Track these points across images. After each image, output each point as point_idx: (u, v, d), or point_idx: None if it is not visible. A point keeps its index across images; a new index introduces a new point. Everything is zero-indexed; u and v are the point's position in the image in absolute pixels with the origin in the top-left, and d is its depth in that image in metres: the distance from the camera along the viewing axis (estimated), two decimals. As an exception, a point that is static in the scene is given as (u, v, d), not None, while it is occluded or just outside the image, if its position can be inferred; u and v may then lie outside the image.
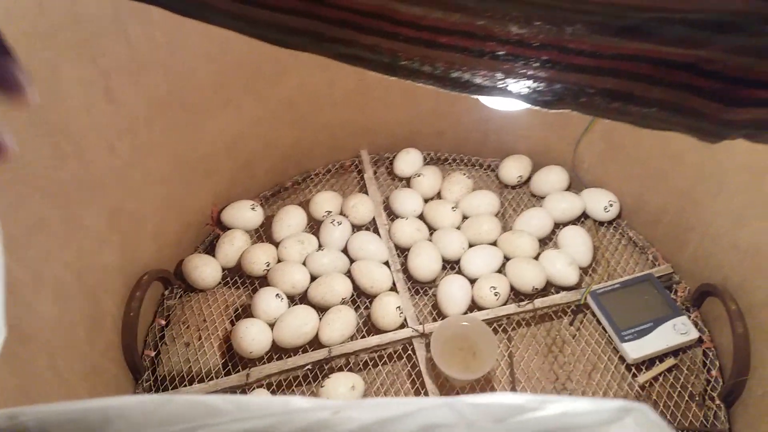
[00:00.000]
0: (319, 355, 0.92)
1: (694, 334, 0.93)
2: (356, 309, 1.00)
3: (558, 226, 1.11)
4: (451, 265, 1.06)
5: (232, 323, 0.98)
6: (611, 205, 1.09)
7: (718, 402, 0.88)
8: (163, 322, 0.99)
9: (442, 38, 0.43)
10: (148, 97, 0.85)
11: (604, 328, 0.97)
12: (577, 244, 1.05)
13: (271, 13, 0.47)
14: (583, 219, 1.13)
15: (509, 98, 0.44)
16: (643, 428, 0.22)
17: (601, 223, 1.12)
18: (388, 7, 0.43)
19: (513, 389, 0.92)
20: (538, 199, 1.16)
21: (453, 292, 0.98)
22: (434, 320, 0.99)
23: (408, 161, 1.19)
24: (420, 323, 0.96)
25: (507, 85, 0.44)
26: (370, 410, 0.24)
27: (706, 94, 0.38)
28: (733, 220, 0.89)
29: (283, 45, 0.49)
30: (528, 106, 0.44)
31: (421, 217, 1.12)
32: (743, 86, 0.36)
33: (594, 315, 0.99)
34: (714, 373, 0.91)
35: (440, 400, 0.24)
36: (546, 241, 1.10)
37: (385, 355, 0.95)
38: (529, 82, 0.43)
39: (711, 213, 0.93)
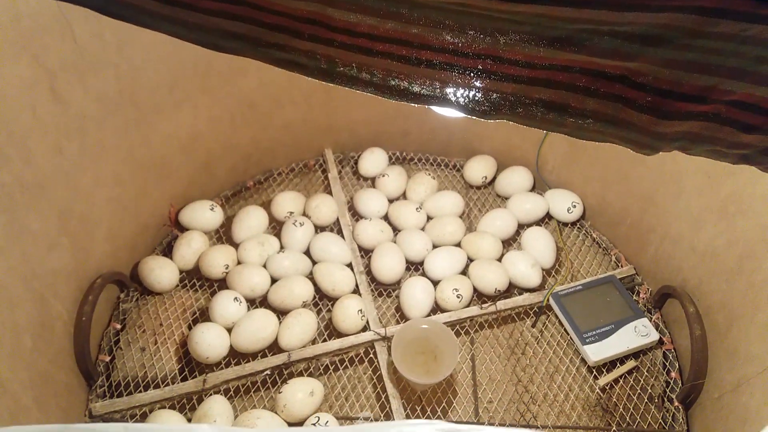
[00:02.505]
0: (278, 360, 0.91)
1: (655, 336, 0.94)
2: (318, 312, 0.99)
3: (522, 227, 1.11)
4: (415, 266, 1.06)
5: (190, 327, 0.96)
6: (574, 206, 1.09)
7: (676, 404, 0.88)
8: (119, 326, 0.96)
9: (378, 45, 0.42)
10: (98, 96, 0.82)
11: (566, 329, 0.97)
12: (540, 245, 1.05)
13: (207, 17, 0.45)
14: (547, 220, 1.13)
15: (448, 107, 0.43)
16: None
17: (565, 224, 1.12)
18: (323, 13, 0.41)
19: (475, 393, 0.91)
20: (503, 199, 1.16)
21: (415, 295, 0.98)
22: (397, 323, 0.98)
23: (373, 161, 1.18)
24: (383, 326, 0.95)
25: (445, 95, 0.43)
26: None
27: (638, 106, 0.37)
28: (691, 223, 0.89)
29: (220, 50, 0.47)
30: (465, 115, 0.43)
31: (386, 217, 1.11)
32: (674, 99, 0.36)
33: (556, 317, 0.99)
34: (673, 374, 0.91)
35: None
36: (510, 242, 1.10)
37: (347, 359, 0.94)
38: (466, 92, 0.42)
39: (671, 215, 0.93)
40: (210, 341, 0.90)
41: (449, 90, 0.42)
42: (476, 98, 0.42)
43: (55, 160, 0.79)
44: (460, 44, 0.40)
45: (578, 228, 1.12)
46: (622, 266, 1.05)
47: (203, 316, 0.98)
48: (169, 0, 0.45)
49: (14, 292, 0.74)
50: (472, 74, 0.40)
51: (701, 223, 0.87)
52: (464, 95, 0.42)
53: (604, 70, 0.37)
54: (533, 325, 0.99)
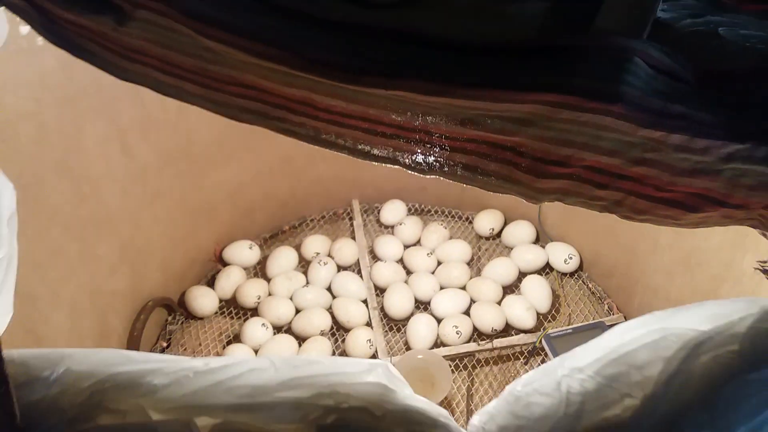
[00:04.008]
0: (295, 379, 1.04)
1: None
2: (334, 341, 1.13)
3: (525, 274, 1.22)
4: (424, 305, 1.19)
5: (224, 348, 1.12)
6: (571, 258, 1.20)
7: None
8: (165, 344, 1.13)
9: (348, 121, 0.57)
10: (159, 150, 1.01)
11: (555, 368, 1.07)
12: (537, 291, 1.16)
13: (229, 96, 0.62)
14: (547, 270, 1.24)
15: (399, 166, 0.58)
16: (386, 377, 0.35)
17: (564, 274, 1.23)
18: (309, 97, 0.58)
19: (467, 422, 1.02)
20: (508, 249, 1.28)
21: (420, 329, 1.10)
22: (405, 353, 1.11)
23: (393, 211, 1.33)
24: (389, 355, 1.08)
25: (396, 157, 0.58)
26: (224, 361, 0.37)
27: (522, 168, 0.51)
28: (665, 274, 0.99)
29: (239, 120, 0.64)
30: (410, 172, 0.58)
31: (401, 260, 1.25)
32: (545, 164, 0.49)
33: (548, 357, 1.10)
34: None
35: (262, 358, 0.37)
36: (513, 288, 1.21)
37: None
38: (410, 155, 0.57)
39: (650, 267, 1.04)
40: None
41: (398, 154, 0.57)
42: (417, 160, 0.57)
43: (121, 201, 0.97)
44: (402, 121, 0.55)
45: (576, 278, 1.23)
46: (613, 314, 1.15)
47: (236, 339, 1.13)
48: (202, 84, 0.62)
49: (82, 305, 0.91)
50: (412, 143, 0.56)
51: (673, 275, 0.97)
52: (408, 158, 0.57)
53: (497, 142, 0.51)
54: (525, 364, 1.10)
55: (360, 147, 0.59)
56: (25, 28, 0.71)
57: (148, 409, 0.34)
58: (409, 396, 0.36)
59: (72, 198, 0.86)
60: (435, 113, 0.52)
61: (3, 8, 0.66)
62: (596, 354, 0.38)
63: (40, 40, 0.67)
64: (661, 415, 0.32)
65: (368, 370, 0.36)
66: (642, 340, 0.37)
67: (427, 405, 0.37)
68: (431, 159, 0.56)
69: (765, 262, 0.49)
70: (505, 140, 0.50)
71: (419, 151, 0.56)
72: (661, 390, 0.33)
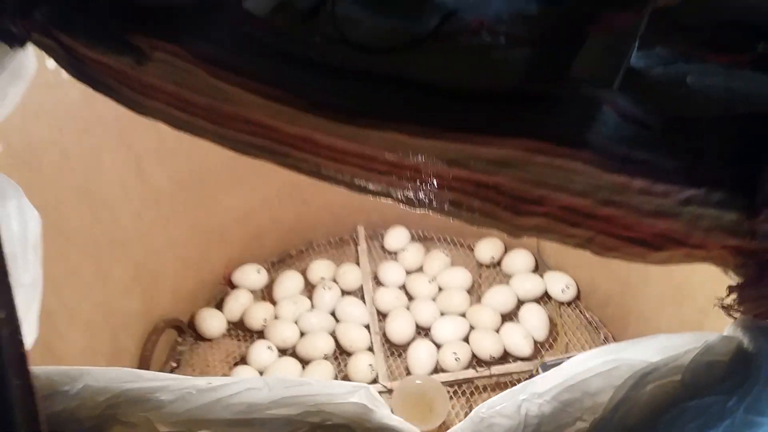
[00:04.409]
0: (297, 399, 1.08)
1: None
2: (337, 364, 1.16)
3: (523, 302, 1.25)
4: (425, 331, 1.22)
5: (230, 369, 1.16)
6: (568, 288, 1.24)
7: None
8: (174, 365, 1.17)
9: (346, 158, 0.62)
10: (172, 176, 1.06)
11: (550, 395, 1.10)
12: (534, 320, 1.20)
13: (238, 133, 0.67)
14: (546, 299, 1.27)
15: (392, 200, 0.63)
16: (367, 399, 0.39)
17: (562, 303, 1.26)
18: (311, 136, 0.62)
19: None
20: (508, 278, 1.32)
21: (420, 355, 1.14)
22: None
23: (397, 238, 1.37)
24: (391, 380, 1.12)
25: (389, 192, 0.62)
26: (223, 380, 0.41)
27: (503, 206, 0.55)
28: (656, 306, 1.02)
29: (246, 154, 0.69)
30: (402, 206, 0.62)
31: (403, 286, 1.29)
32: (523, 203, 0.54)
33: (544, 383, 1.12)
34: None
35: (257, 379, 0.41)
36: (511, 316, 1.24)
37: (356, 405, 1.11)
38: (402, 191, 0.61)
39: (642, 299, 1.07)
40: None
41: (391, 189, 0.62)
42: (408, 195, 0.61)
43: (135, 224, 1.02)
44: (395, 160, 0.59)
45: (574, 307, 1.26)
46: (609, 343, 1.17)
47: (243, 360, 1.17)
48: (213, 120, 0.67)
49: (96, 324, 0.96)
50: (404, 179, 0.60)
51: (663, 306, 1.00)
52: (401, 193, 0.61)
53: (480, 181, 0.55)
54: (522, 389, 1.13)
55: (357, 182, 0.64)
56: (51, 63, 0.76)
57: (156, 422, 0.38)
58: (386, 416, 0.40)
59: (90, 221, 0.92)
60: (424, 153, 0.57)
61: (32, 45, 0.72)
62: (555, 381, 0.42)
63: (64, 74, 0.72)
64: (606, 437, 0.36)
65: (351, 392, 0.40)
66: (597, 369, 0.41)
67: (402, 424, 0.40)
68: (421, 195, 0.60)
69: (722, 299, 0.52)
70: (488, 180, 0.55)
71: (410, 187, 0.60)
72: (608, 415, 0.37)
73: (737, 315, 0.52)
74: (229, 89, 0.63)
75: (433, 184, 0.59)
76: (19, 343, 0.37)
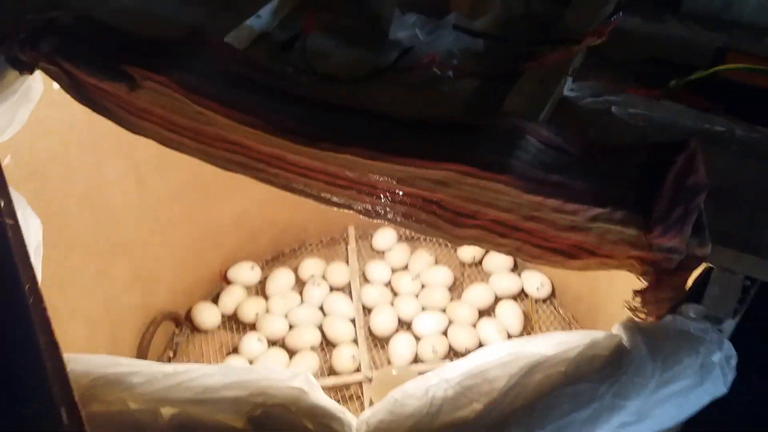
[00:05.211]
0: (286, 389, 1.17)
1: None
2: (323, 355, 1.25)
3: (501, 299, 1.33)
4: (407, 325, 1.30)
5: (224, 358, 1.25)
6: (542, 286, 1.31)
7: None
8: (172, 355, 1.26)
9: (313, 174, 0.70)
10: (170, 183, 1.15)
11: (522, 386, 1.18)
12: (509, 315, 1.27)
13: (219, 151, 0.75)
14: (523, 296, 1.35)
15: (353, 211, 0.71)
16: (305, 383, 0.48)
17: (538, 300, 1.34)
18: (283, 155, 0.70)
19: None
20: (489, 275, 1.39)
21: (400, 347, 1.22)
22: (386, 369, 1.22)
23: (384, 238, 1.45)
24: (373, 370, 1.20)
25: (351, 204, 0.70)
26: (184, 367, 0.50)
27: (444, 218, 0.63)
28: (620, 305, 1.09)
29: (227, 170, 0.77)
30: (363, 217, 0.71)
31: (389, 283, 1.37)
32: (460, 216, 0.61)
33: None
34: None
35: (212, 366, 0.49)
36: (489, 312, 1.32)
37: (340, 397, 1.19)
38: (361, 204, 0.69)
39: (608, 298, 1.14)
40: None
41: (352, 202, 0.70)
42: (366, 208, 0.69)
43: (135, 228, 1.11)
44: (354, 177, 0.67)
45: (549, 304, 1.33)
46: (579, 338, 1.25)
47: (235, 351, 1.26)
48: (197, 140, 0.76)
49: (97, 319, 1.05)
50: (362, 194, 0.68)
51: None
52: (361, 206, 0.69)
53: (425, 197, 0.63)
54: (496, 381, 1.21)
55: (323, 195, 0.72)
56: (56, 85, 0.85)
57: (128, 401, 0.46)
58: (320, 398, 0.48)
59: (92, 226, 1.00)
60: (378, 173, 0.65)
61: (39, 71, 0.81)
62: (462, 369, 0.50)
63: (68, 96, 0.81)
64: (495, 416, 0.44)
65: (291, 378, 0.48)
66: (499, 360, 0.49)
67: (332, 403, 0.48)
68: (378, 208, 0.68)
69: (629, 302, 0.60)
70: (431, 196, 0.63)
71: (368, 201, 0.68)
72: (501, 398, 0.44)
73: (642, 315, 0.60)
74: (208, 114, 0.71)
75: (388, 199, 0.67)
76: (44, 308, 0.45)
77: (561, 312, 1.31)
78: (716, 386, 0.47)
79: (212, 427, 0.46)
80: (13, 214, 0.50)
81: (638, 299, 0.59)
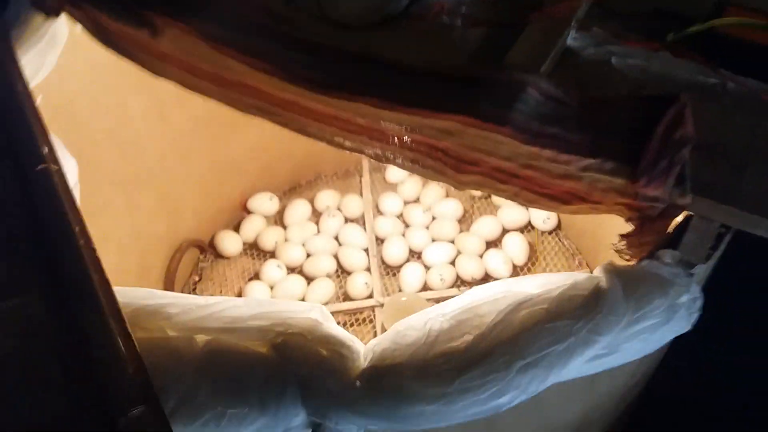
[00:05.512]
0: (303, 312, 1.25)
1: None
2: (339, 282, 1.32)
3: (508, 231, 1.39)
4: (417, 255, 1.37)
5: (246, 283, 1.33)
6: (549, 218, 1.36)
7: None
8: (197, 278, 1.34)
9: (326, 119, 0.75)
10: (191, 116, 1.19)
11: (525, 313, 1.25)
12: (515, 246, 1.33)
13: (239, 95, 0.80)
14: (530, 228, 1.40)
15: (365, 155, 0.76)
16: (320, 315, 0.54)
17: (544, 232, 1.39)
18: (296, 101, 0.75)
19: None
20: (498, 208, 1.44)
21: (410, 275, 1.29)
22: (397, 296, 1.30)
23: (397, 171, 1.49)
24: (385, 296, 1.28)
25: (361, 148, 0.75)
26: (215, 300, 0.57)
27: (449, 164, 0.68)
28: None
29: (246, 112, 0.82)
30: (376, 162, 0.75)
31: (401, 215, 1.43)
32: (462, 162, 0.66)
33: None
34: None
35: (239, 299, 0.56)
36: (496, 243, 1.38)
37: (354, 321, 1.27)
38: (372, 148, 0.74)
39: (611, 232, 1.19)
40: (257, 296, 1.26)
41: (363, 146, 0.74)
42: (377, 152, 0.74)
43: (159, 160, 1.16)
44: (365, 123, 0.72)
45: (554, 236, 1.39)
46: (581, 269, 1.31)
47: (256, 277, 1.34)
48: (218, 83, 0.80)
49: (126, 246, 1.12)
50: (373, 139, 0.72)
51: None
52: (371, 150, 0.74)
53: (431, 144, 0.68)
54: (501, 308, 1.28)
55: (336, 139, 0.77)
56: (80, 27, 0.88)
57: (166, 329, 0.53)
58: (333, 327, 0.54)
59: (119, 159, 1.06)
60: (387, 120, 0.69)
61: (64, 14, 0.84)
62: (458, 305, 0.56)
63: (92, 36, 0.85)
64: (483, 347, 0.50)
65: (308, 310, 0.55)
66: (490, 297, 0.54)
67: (343, 332, 0.55)
68: (388, 153, 0.73)
69: (616, 244, 0.65)
70: (437, 144, 0.67)
71: (378, 146, 0.73)
72: (488, 331, 0.50)
73: (626, 257, 0.65)
74: (227, 60, 0.75)
75: (396, 145, 0.71)
76: (93, 249, 0.52)
77: (565, 243, 1.37)
78: (680, 325, 0.53)
79: (240, 352, 0.53)
80: (56, 160, 0.56)
81: (623, 242, 0.64)
